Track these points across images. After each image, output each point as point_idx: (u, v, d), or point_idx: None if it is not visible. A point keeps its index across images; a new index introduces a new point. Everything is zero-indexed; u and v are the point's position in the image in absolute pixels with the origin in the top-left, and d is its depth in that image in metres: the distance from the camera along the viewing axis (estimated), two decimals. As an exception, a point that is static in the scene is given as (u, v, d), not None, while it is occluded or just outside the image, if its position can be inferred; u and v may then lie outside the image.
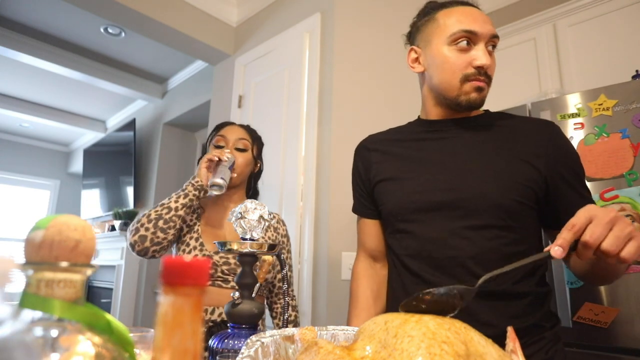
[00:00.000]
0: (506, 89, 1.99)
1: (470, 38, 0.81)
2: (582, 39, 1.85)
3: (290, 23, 2.20)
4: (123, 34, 3.09)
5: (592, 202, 0.80)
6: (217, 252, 1.10)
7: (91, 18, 2.80)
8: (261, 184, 1.36)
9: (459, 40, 0.81)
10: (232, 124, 1.28)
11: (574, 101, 1.46)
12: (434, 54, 0.85)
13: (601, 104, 1.39)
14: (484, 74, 0.81)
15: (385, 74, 1.94)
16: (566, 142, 0.83)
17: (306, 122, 1.93)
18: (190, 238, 1.14)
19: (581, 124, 1.42)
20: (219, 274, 1.09)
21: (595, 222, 0.54)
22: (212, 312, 1.08)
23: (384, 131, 1.01)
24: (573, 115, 1.45)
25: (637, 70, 1.59)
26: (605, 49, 1.78)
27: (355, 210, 1.02)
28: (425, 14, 0.89)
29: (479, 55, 0.80)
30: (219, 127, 1.27)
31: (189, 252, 1.12)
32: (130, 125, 3.83)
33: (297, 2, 2.21)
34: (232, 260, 1.10)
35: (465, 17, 0.82)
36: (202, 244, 1.13)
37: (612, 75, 1.70)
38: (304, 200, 1.83)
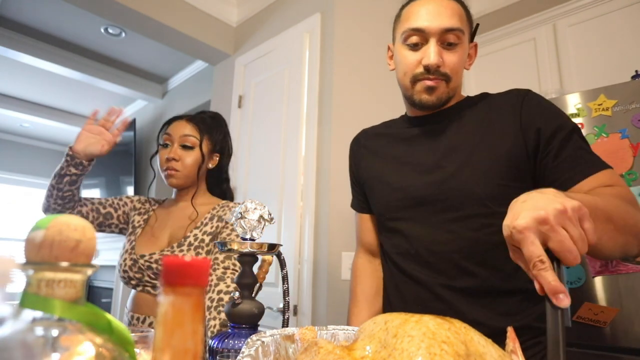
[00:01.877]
0: (506, 89, 1.98)
1: (420, 36, 0.78)
2: (582, 39, 1.85)
3: (290, 23, 2.20)
4: (123, 34, 3.09)
5: (585, 149, 0.73)
6: (142, 256, 1.06)
7: (91, 18, 2.80)
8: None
9: (408, 40, 0.80)
10: (181, 118, 1.16)
11: (573, 101, 1.46)
12: (396, 52, 0.85)
13: (601, 104, 1.39)
14: (435, 72, 0.78)
15: (385, 74, 1.94)
16: (539, 101, 0.77)
17: (306, 122, 1.93)
18: (128, 241, 1.12)
19: (581, 124, 1.42)
20: (146, 279, 1.05)
21: (547, 229, 0.44)
22: (143, 321, 1.04)
23: (376, 125, 1.01)
24: (573, 116, 1.45)
25: (636, 71, 1.59)
26: (605, 49, 1.78)
27: (353, 205, 1.02)
28: (399, 12, 0.87)
29: (427, 53, 0.77)
30: (167, 124, 1.17)
31: (122, 255, 1.10)
32: (131, 125, 3.83)
33: (297, 2, 2.21)
34: (154, 265, 1.04)
35: (416, 12, 0.79)
36: (133, 247, 1.09)
37: (612, 76, 1.70)
38: (304, 200, 1.83)
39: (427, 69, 0.78)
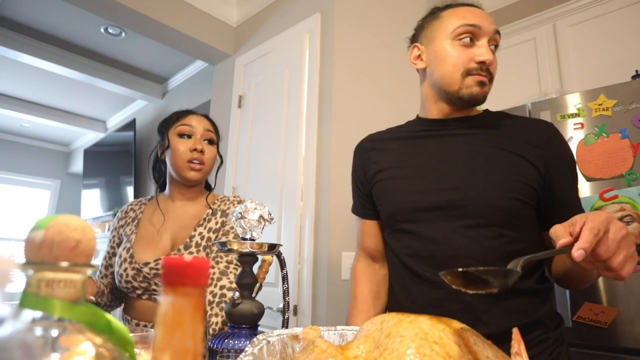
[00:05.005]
0: (506, 89, 1.99)
1: (473, 33, 0.82)
2: (582, 39, 1.85)
3: (290, 23, 2.20)
4: (123, 34, 3.09)
5: (582, 209, 0.81)
6: (146, 264, 1.01)
7: (91, 18, 2.80)
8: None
9: (462, 35, 0.82)
10: (196, 113, 1.13)
11: (573, 101, 1.46)
12: (436, 50, 0.86)
13: (601, 104, 1.39)
14: (486, 70, 0.81)
15: (385, 74, 1.94)
16: (565, 145, 0.84)
17: (306, 122, 1.93)
18: (123, 248, 1.06)
19: (581, 124, 1.42)
20: (154, 287, 1.01)
21: (609, 237, 0.54)
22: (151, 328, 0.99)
23: (383, 130, 1.01)
24: (573, 116, 1.45)
25: (636, 71, 1.59)
26: (605, 49, 1.78)
27: (354, 211, 1.02)
28: (431, 14, 0.91)
29: (481, 51, 0.81)
30: (182, 115, 1.11)
31: (120, 265, 1.03)
32: (131, 125, 3.83)
33: (297, 2, 2.21)
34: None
35: (469, 13, 0.84)
36: (132, 255, 1.03)
37: (612, 75, 1.70)
38: (304, 200, 1.83)
39: (482, 66, 0.81)
